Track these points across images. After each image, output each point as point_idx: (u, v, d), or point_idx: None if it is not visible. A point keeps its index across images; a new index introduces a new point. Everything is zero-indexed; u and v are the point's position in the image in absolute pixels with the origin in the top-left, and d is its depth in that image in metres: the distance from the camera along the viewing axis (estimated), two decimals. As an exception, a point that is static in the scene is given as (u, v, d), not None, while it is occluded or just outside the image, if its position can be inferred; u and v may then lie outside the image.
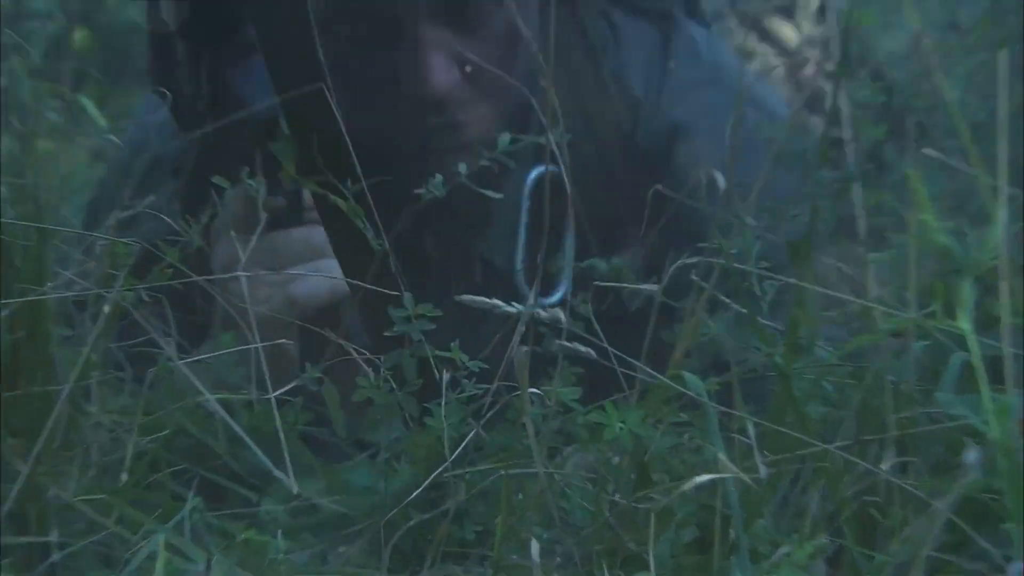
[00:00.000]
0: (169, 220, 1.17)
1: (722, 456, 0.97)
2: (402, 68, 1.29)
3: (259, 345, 1.09)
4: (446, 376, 1.05)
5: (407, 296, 1.10)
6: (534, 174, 1.37)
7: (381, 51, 1.30)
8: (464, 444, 1.04)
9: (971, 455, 0.82)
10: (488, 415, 1.05)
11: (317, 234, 1.28)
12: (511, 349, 1.00)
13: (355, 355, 1.10)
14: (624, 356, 1.02)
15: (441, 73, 1.28)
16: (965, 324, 0.92)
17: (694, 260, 1.10)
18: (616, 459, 1.07)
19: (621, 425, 1.02)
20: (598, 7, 1.48)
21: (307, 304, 1.30)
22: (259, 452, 1.07)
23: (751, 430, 1.02)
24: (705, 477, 0.97)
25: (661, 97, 1.46)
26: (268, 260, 1.29)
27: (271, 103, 1.17)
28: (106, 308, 1.05)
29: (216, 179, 1.17)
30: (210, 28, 1.35)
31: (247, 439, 1.07)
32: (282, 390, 1.11)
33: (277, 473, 1.06)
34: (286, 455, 1.06)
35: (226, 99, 1.36)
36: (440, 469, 1.03)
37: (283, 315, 1.25)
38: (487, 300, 1.01)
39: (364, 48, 1.29)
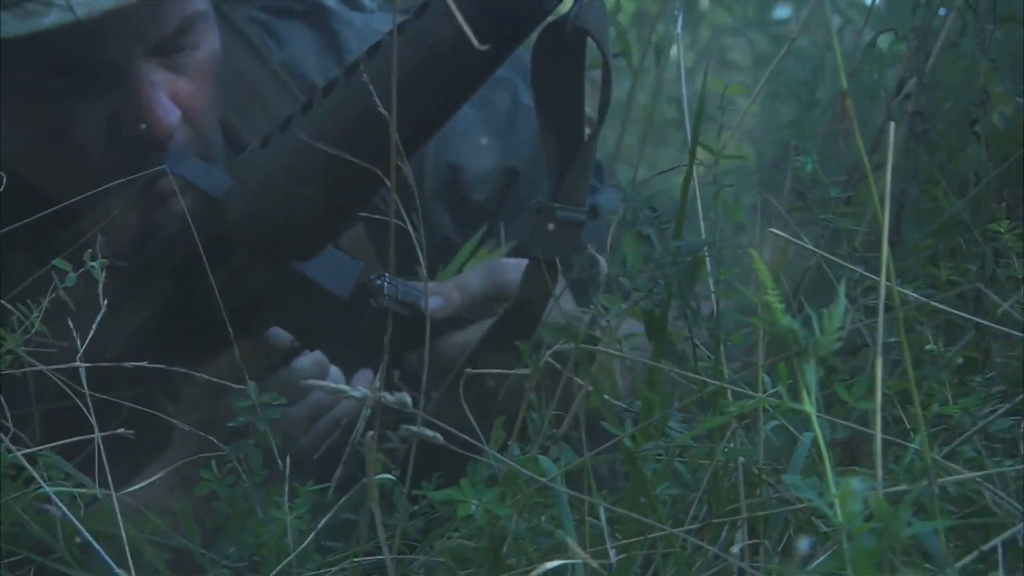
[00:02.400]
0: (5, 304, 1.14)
1: (571, 542, 0.97)
2: (125, 111, 1.30)
3: (98, 435, 1.06)
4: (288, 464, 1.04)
5: (251, 385, 1.08)
6: None
7: (100, 97, 1.30)
8: (308, 540, 1.03)
9: (804, 543, 0.82)
10: (336, 507, 1.04)
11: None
12: (356, 434, 1.00)
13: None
14: (471, 440, 1.02)
15: (166, 112, 1.30)
16: (808, 406, 0.92)
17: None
18: (472, 545, 1.06)
19: (476, 504, 1.01)
20: (249, 16, 1.51)
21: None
22: (102, 552, 1.05)
23: (602, 514, 1.02)
24: (554, 563, 0.96)
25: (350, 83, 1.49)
26: (292, 394, 1.27)
27: None
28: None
29: (58, 262, 1.14)
30: None
31: (89, 537, 1.04)
32: (131, 489, 1.08)
33: (117, 571, 1.04)
34: (128, 556, 1.03)
35: None
36: (283, 564, 1.01)
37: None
38: (332, 385, 1.00)
39: (81, 96, 1.30)
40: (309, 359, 1.32)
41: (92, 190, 1.23)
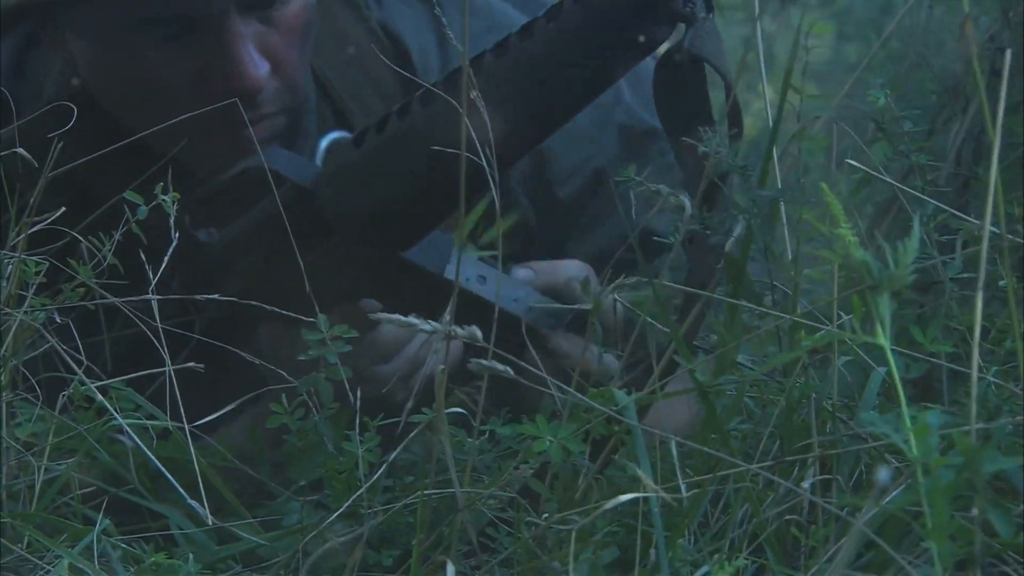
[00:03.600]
0: (77, 235, 1.16)
1: (643, 475, 0.97)
2: (214, 65, 1.30)
3: (169, 368, 1.08)
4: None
5: (321, 318, 1.09)
6: (325, 141, 1.40)
7: (189, 49, 1.31)
8: (379, 471, 1.03)
9: (883, 474, 0.81)
10: (408, 438, 1.04)
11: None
12: (427, 367, 1.00)
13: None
14: (542, 374, 1.02)
15: (255, 66, 1.30)
16: (883, 339, 0.92)
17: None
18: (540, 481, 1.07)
19: (551, 440, 1.02)
20: None
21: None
22: (173, 480, 1.06)
23: (673, 449, 1.02)
24: (626, 496, 0.96)
25: (443, 49, 1.45)
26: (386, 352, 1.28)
27: None
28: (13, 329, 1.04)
29: (129, 195, 1.15)
30: None
31: (160, 467, 1.06)
32: (200, 422, 1.10)
33: (191, 503, 1.05)
34: (200, 485, 1.04)
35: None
36: (354, 497, 1.02)
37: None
38: (403, 319, 1.01)
39: (171, 47, 1.31)
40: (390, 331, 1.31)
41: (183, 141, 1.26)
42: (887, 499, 0.91)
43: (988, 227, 0.93)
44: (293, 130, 1.38)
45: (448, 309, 0.99)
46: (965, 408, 1.03)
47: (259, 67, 1.30)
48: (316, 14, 1.38)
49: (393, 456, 1.06)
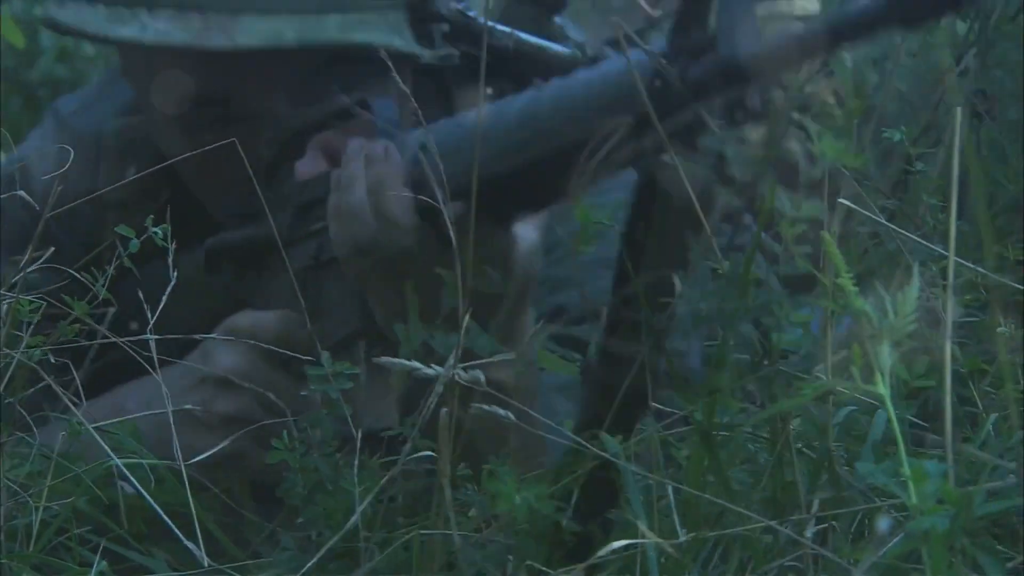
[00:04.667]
0: (72, 272, 1.16)
1: (640, 523, 0.97)
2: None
3: (170, 410, 1.08)
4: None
5: (324, 355, 1.10)
6: None
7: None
8: (374, 506, 1.05)
9: (883, 523, 0.83)
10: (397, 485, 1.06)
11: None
12: (426, 409, 1.01)
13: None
14: (542, 418, 1.03)
15: (310, 166, 1.31)
16: (883, 389, 0.93)
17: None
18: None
19: (519, 499, 1.02)
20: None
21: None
22: (168, 521, 1.07)
23: (671, 494, 1.03)
24: (622, 542, 0.97)
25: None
26: None
27: None
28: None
29: (121, 229, 1.17)
30: None
31: (156, 507, 1.06)
32: (197, 459, 1.10)
33: (187, 543, 1.06)
34: (196, 526, 1.05)
35: None
36: (343, 531, 1.03)
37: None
38: (405, 363, 1.01)
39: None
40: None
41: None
42: (887, 547, 0.92)
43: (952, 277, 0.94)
44: None
45: (453, 354, 1.00)
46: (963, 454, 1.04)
47: (312, 167, 1.31)
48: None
49: (387, 496, 1.07)
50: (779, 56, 0.96)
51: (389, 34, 1.37)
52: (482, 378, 0.99)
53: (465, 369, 1.00)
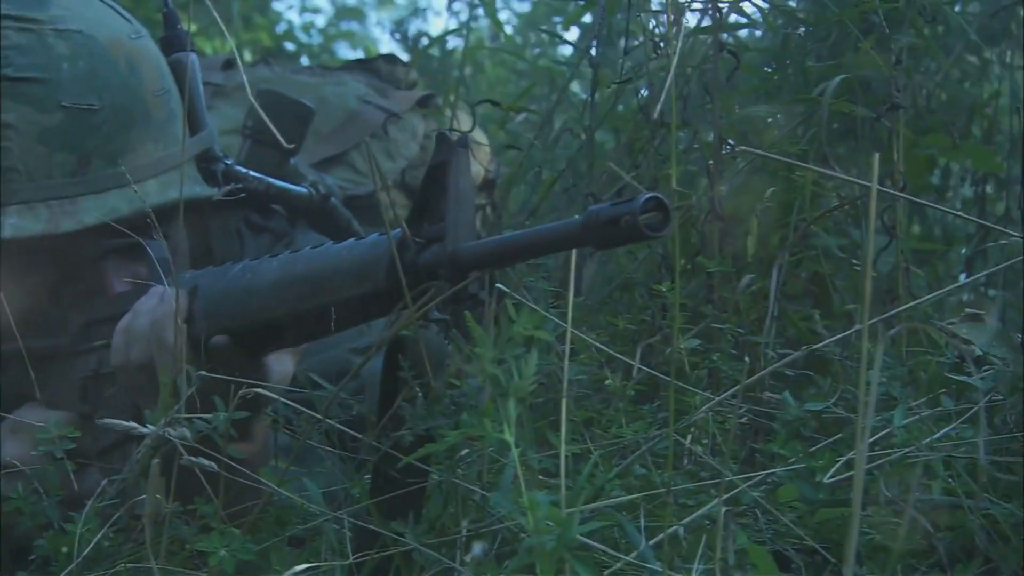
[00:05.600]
0: None
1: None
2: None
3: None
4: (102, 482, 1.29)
5: (53, 420, 1.32)
6: None
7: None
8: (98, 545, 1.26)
9: (477, 548, 1.09)
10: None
11: None
12: (133, 461, 1.24)
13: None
14: (249, 472, 1.27)
15: (116, 289, 1.59)
16: (509, 437, 1.20)
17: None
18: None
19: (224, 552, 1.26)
20: (234, 229, 1.81)
21: None
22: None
23: (346, 524, 1.28)
24: (302, 566, 1.22)
25: None
26: None
27: None
28: None
29: None
30: None
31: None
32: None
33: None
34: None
35: None
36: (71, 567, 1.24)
37: None
38: (123, 423, 1.24)
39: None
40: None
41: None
42: (510, 563, 1.19)
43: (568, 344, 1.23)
44: None
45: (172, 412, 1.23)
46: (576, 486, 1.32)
47: (118, 289, 1.58)
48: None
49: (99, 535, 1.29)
50: (490, 255, 1.24)
51: (192, 185, 1.66)
52: (189, 434, 1.22)
53: (174, 428, 1.23)
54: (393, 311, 1.29)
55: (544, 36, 3.38)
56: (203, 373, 1.28)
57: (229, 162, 1.73)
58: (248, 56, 3.85)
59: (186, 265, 1.67)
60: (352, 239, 1.37)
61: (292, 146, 1.80)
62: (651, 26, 1.94)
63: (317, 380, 1.36)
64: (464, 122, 2.22)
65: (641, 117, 1.93)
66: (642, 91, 1.95)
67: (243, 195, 1.70)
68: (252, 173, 1.76)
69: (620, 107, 2.16)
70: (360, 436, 1.31)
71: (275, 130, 1.54)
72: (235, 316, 1.40)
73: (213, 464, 1.23)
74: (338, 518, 1.30)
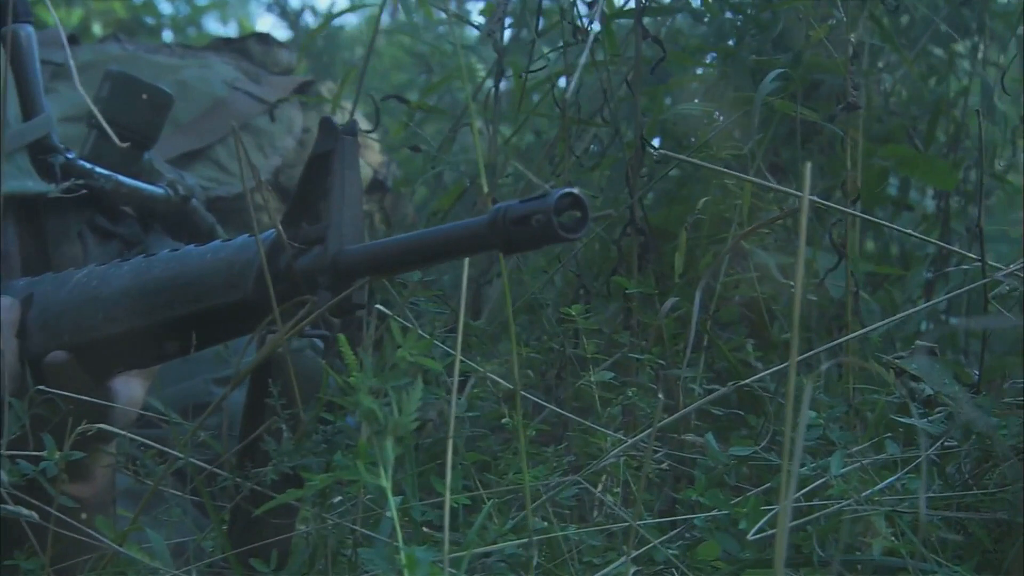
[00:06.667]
0: None
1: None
2: None
3: None
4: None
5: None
6: None
7: None
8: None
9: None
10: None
11: None
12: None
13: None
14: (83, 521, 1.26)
15: None
16: (385, 482, 1.20)
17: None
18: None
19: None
20: (76, 232, 1.78)
21: None
22: None
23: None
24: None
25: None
26: None
27: None
28: None
29: None
30: None
31: None
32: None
33: None
34: None
35: None
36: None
37: None
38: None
39: None
40: None
41: None
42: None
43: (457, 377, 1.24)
44: None
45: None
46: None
47: None
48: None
49: None
50: (380, 261, 1.23)
51: (22, 179, 1.62)
52: (5, 478, 1.21)
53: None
54: (261, 326, 1.28)
55: (446, 15, 3.39)
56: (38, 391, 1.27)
57: (71, 155, 1.71)
58: (98, 29, 3.82)
59: (16, 271, 1.65)
60: (217, 241, 1.35)
61: (132, 142, 1.78)
62: (570, 5, 1.94)
63: (170, 415, 1.34)
64: (360, 118, 2.21)
65: (557, 112, 1.93)
66: (559, 82, 1.96)
67: (85, 192, 1.68)
68: (98, 169, 1.74)
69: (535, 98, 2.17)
70: (220, 472, 1.31)
71: (109, 128, 1.54)
72: (77, 329, 1.38)
73: (35, 515, 1.22)
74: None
